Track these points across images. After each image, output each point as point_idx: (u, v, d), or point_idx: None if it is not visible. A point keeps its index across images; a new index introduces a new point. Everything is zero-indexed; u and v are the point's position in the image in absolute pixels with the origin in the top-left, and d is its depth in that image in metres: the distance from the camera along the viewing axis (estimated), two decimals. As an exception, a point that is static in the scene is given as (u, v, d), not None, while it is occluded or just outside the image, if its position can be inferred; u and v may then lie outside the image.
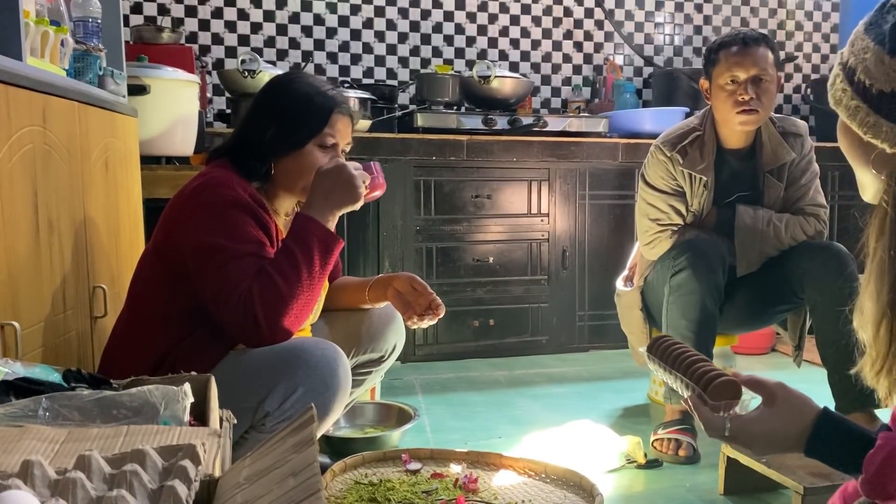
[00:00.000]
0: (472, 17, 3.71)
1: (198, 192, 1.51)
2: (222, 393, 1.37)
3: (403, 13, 3.62)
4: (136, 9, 3.29)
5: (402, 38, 3.62)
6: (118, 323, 1.61)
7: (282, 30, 3.48)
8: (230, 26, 3.41)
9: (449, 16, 3.68)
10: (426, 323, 1.73)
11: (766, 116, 2.17)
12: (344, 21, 3.56)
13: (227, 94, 3.10)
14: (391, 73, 3.61)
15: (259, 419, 1.44)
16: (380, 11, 3.59)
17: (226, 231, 1.45)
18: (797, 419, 1.06)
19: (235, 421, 1.07)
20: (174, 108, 2.45)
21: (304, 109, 1.58)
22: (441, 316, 1.73)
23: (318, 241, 1.48)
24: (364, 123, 2.99)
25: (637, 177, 3.17)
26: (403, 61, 3.63)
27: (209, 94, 3.26)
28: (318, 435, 1.53)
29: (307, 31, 3.52)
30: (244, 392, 1.41)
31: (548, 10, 3.82)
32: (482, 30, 3.73)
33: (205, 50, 3.37)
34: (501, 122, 3.11)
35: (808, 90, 4.05)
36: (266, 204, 1.57)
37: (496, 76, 3.15)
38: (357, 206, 1.56)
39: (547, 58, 3.84)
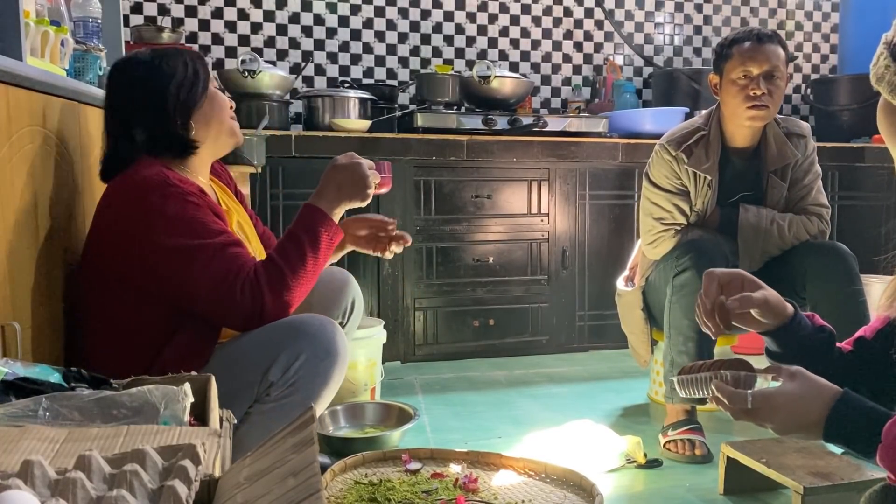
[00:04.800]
0: (472, 17, 3.71)
1: (139, 196, 1.44)
2: (223, 376, 1.38)
3: (403, 13, 3.62)
4: (136, 9, 3.29)
5: (402, 38, 3.62)
6: (88, 339, 1.53)
7: (282, 30, 3.48)
8: (230, 26, 3.41)
9: (449, 16, 3.68)
10: (399, 248, 1.80)
11: (775, 114, 2.17)
12: (344, 21, 3.56)
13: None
14: (391, 73, 3.61)
15: (263, 391, 1.47)
16: (380, 11, 3.59)
17: (193, 229, 1.43)
18: (819, 394, 1.06)
19: (235, 421, 1.07)
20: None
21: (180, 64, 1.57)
22: (409, 242, 1.81)
23: (326, 232, 1.52)
24: (364, 123, 3.00)
25: (637, 177, 3.18)
26: (403, 61, 3.63)
27: (209, 94, 3.26)
28: (325, 405, 1.55)
29: (307, 31, 3.52)
30: (246, 368, 1.45)
31: (548, 10, 3.82)
32: (482, 30, 3.73)
33: (205, 50, 3.37)
34: (501, 122, 3.11)
35: (808, 90, 4.05)
36: (197, 183, 1.54)
37: (496, 76, 3.15)
38: (363, 204, 1.61)
39: (547, 58, 3.84)
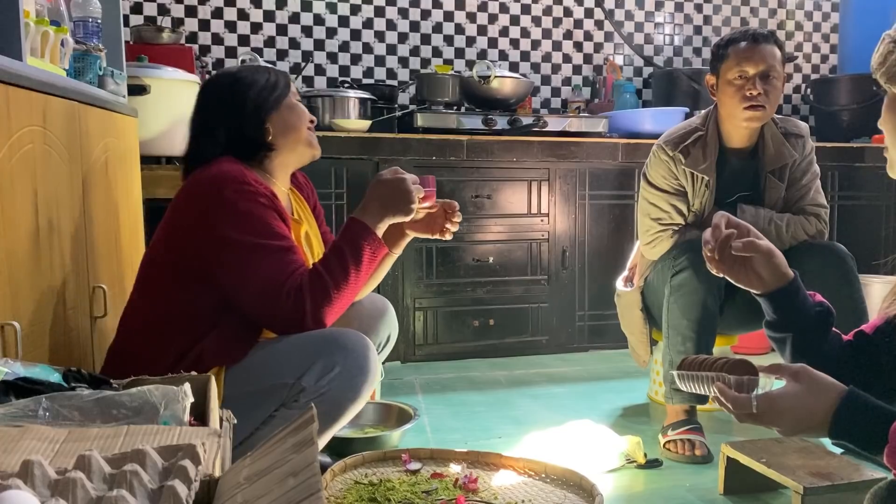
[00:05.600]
0: (472, 17, 3.71)
1: (214, 188, 1.51)
2: (257, 374, 1.47)
3: (403, 13, 3.62)
4: (136, 9, 3.29)
5: (402, 38, 3.62)
6: (127, 322, 1.61)
7: (282, 30, 3.48)
8: (230, 26, 3.41)
9: (449, 16, 3.68)
10: (455, 227, 1.77)
11: (772, 114, 2.16)
12: (344, 21, 3.56)
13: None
14: (391, 73, 3.61)
15: (293, 395, 1.49)
16: (380, 11, 3.59)
17: (257, 228, 1.49)
18: (823, 395, 1.06)
19: (235, 421, 1.07)
20: (174, 108, 2.45)
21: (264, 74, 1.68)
22: (458, 214, 1.77)
23: (369, 246, 1.54)
24: (364, 123, 3.00)
25: (637, 177, 3.18)
26: (403, 61, 3.63)
27: (209, 94, 3.26)
28: (348, 420, 1.57)
29: (307, 31, 3.52)
30: (281, 369, 1.48)
31: (548, 10, 3.82)
32: (482, 30, 3.73)
33: (205, 50, 3.37)
34: (501, 122, 3.11)
35: (808, 90, 4.05)
36: (274, 190, 1.60)
37: (496, 76, 3.15)
38: (408, 219, 1.62)
39: (547, 58, 3.84)
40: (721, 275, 1.29)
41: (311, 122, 1.72)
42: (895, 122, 1.06)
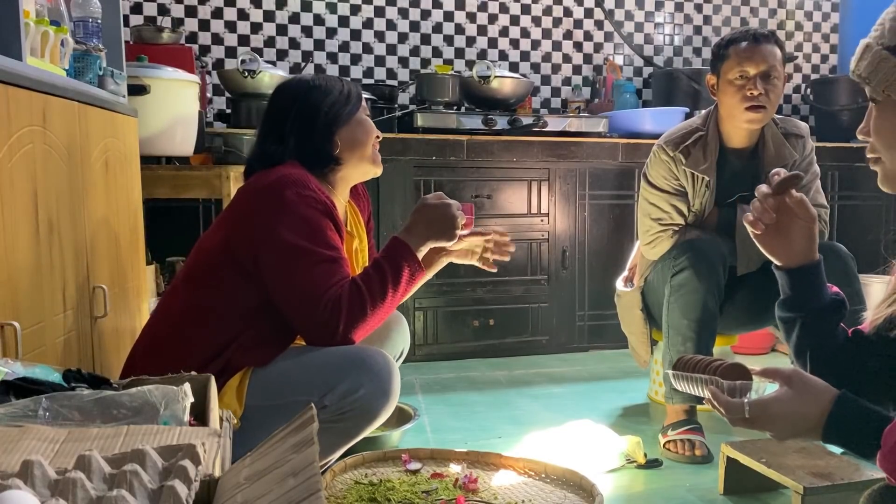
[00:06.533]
0: (472, 17, 3.71)
1: (277, 188, 1.53)
2: (280, 388, 1.48)
3: (403, 13, 3.62)
4: (136, 9, 3.29)
5: (402, 38, 3.62)
6: (168, 307, 1.62)
7: (282, 30, 3.48)
8: (230, 26, 3.41)
9: (449, 16, 3.68)
10: (505, 257, 1.80)
11: (772, 114, 2.16)
12: (344, 21, 3.56)
13: (227, 95, 3.10)
14: (391, 73, 3.61)
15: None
16: (380, 11, 3.59)
17: (311, 234, 1.51)
18: (815, 399, 1.06)
19: (235, 421, 1.07)
20: (174, 108, 2.45)
21: (340, 88, 1.70)
22: (511, 247, 1.79)
23: (409, 267, 1.56)
24: (364, 123, 2.99)
25: (637, 177, 3.18)
26: (403, 61, 3.63)
27: (209, 94, 3.26)
28: (360, 438, 1.56)
29: (307, 31, 3.52)
30: (306, 385, 1.48)
31: (548, 10, 3.82)
32: (482, 30, 3.73)
33: (205, 50, 3.37)
34: (501, 122, 3.11)
35: (808, 90, 4.05)
36: (332, 198, 1.61)
37: (496, 76, 3.15)
38: (450, 244, 1.65)
39: (547, 58, 3.84)
40: (757, 231, 1.24)
41: (378, 137, 1.74)
42: (891, 129, 1.05)
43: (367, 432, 1.55)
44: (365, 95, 3.02)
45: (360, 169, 1.72)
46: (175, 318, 1.59)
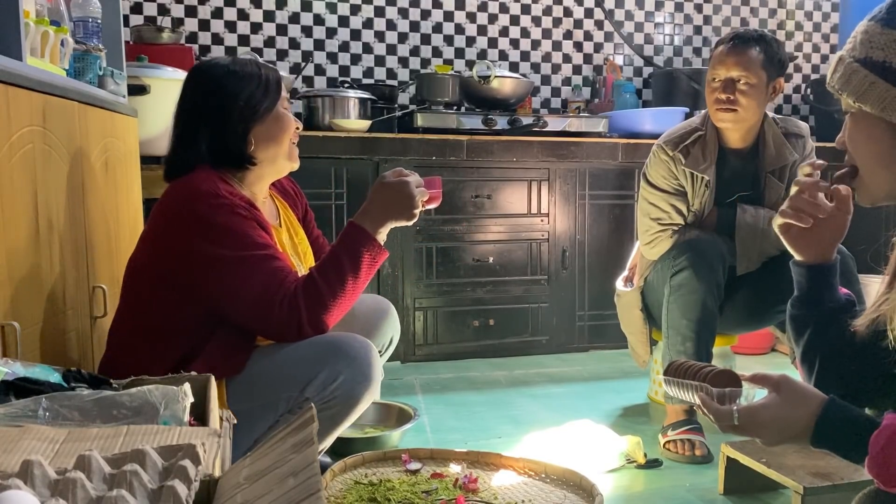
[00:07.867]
0: (472, 17, 3.71)
1: (189, 207, 1.47)
2: (259, 387, 1.46)
3: (403, 13, 3.62)
4: (136, 9, 3.29)
5: (402, 38, 3.62)
6: (117, 332, 1.58)
7: (282, 30, 3.48)
8: (230, 26, 3.41)
9: (449, 16, 3.68)
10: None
11: (749, 117, 2.15)
12: (344, 21, 3.55)
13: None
14: (391, 73, 3.61)
15: (297, 405, 1.48)
16: (380, 11, 3.59)
17: (238, 241, 1.46)
18: (804, 405, 1.06)
19: (235, 421, 1.07)
20: (174, 109, 2.45)
21: (256, 79, 1.59)
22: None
23: (367, 252, 1.52)
24: (364, 123, 3.00)
25: (637, 177, 3.17)
26: (403, 61, 3.63)
27: (209, 94, 3.26)
28: (350, 423, 1.56)
29: (307, 31, 3.52)
30: (284, 381, 1.47)
31: (548, 10, 3.82)
32: (482, 30, 3.73)
33: (205, 50, 3.37)
34: (501, 122, 3.11)
35: (808, 90, 4.05)
36: (251, 200, 1.57)
37: (496, 76, 3.15)
38: (410, 223, 1.60)
39: (547, 58, 3.84)
40: (785, 220, 1.22)
41: (297, 129, 1.66)
42: (874, 141, 1.06)
43: (354, 418, 1.54)
44: (365, 95, 3.07)
45: (276, 166, 1.64)
46: (127, 341, 1.54)
